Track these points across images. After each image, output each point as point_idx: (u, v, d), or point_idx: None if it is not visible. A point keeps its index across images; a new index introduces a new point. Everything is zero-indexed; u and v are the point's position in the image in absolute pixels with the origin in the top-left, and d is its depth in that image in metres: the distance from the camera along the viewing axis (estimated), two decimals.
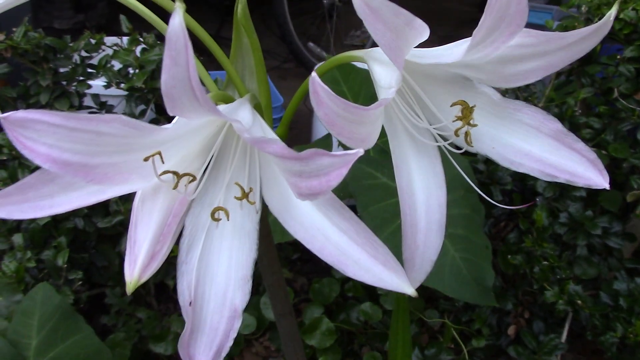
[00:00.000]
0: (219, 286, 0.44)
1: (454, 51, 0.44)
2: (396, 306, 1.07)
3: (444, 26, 4.75)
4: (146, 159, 0.39)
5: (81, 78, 1.52)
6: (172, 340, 1.54)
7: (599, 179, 0.43)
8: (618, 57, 1.47)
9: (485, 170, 1.63)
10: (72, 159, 0.35)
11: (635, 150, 1.51)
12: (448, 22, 4.77)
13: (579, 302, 1.51)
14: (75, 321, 1.24)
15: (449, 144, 0.48)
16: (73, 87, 1.51)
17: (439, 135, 0.47)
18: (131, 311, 1.58)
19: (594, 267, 1.58)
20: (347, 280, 1.73)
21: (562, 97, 1.65)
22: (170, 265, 1.59)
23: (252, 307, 1.68)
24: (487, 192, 1.72)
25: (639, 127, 1.44)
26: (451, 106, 0.44)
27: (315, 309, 1.62)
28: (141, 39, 1.53)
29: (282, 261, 1.80)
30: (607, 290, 1.56)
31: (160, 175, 0.40)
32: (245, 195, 0.40)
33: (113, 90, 1.53)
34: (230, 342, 0.45)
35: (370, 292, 1.74)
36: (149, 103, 1.50)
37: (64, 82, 1.51)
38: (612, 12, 0.44)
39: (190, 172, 0.40)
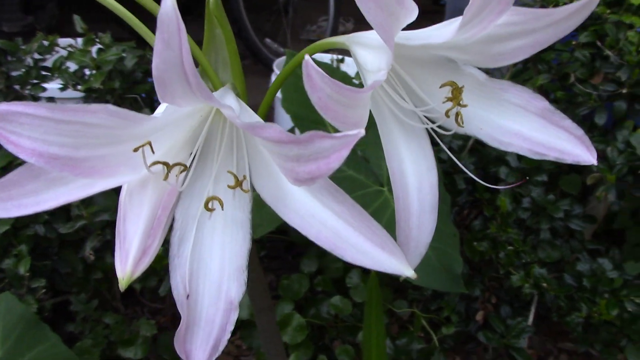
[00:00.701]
0: (213, 278, 0.43)
1: (442, 31, 0.43)
2: (369, 298, 1.07)
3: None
4: (136, 150, 0.37)
5: (35, 81, 1.48)
6: (142, 344, 1.51)
7: (587, 156, 0.43)
8: (573, 42, 1.49)
9: (448, 159, 1.64)
10: (59, 153, 0.34)
11: (593, 134, 1.54)
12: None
13: (545, 284, 1.53)
14: (41, 330, 1.21)
15: (437, 127, 0.48)
16: (27, 91, 1.47)
17: (427, 118, 0.47)
18: (98, 317, 1.55)
19: (557, 250, 1.61)
20: (315, 275, 1.73)
21: (519, 84, 1.68)
22: None
23: None
24: (451, 180, 1.74)
25: (596, 111, 1.47)
26: (440, 87, 0.44)
27: (286, 305, 1.61)
28: (97, 39, 1.50)
29: (270, 259, 1.79)
30: (570, 272, 1.59)
31: (150, 166, 0.38)
32: (239, 183, 0.39)
33: (69, 93, 1.49)
34: (227, 336, 0.44)
35: (340, 286, 1.74)
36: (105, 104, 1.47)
37: (17, 86, 1.47)
38: None
39: (181, 162, 0.39)
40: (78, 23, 1.44)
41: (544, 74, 1.63)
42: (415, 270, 1.32)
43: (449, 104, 0.43)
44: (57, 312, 1.57)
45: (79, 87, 1.42)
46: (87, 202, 1.41)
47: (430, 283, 1.34)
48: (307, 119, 1.69)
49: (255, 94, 2.28)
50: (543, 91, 1.66)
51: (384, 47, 0.42)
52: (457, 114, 0.43)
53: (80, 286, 1.56)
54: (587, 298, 1.52)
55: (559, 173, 1.69)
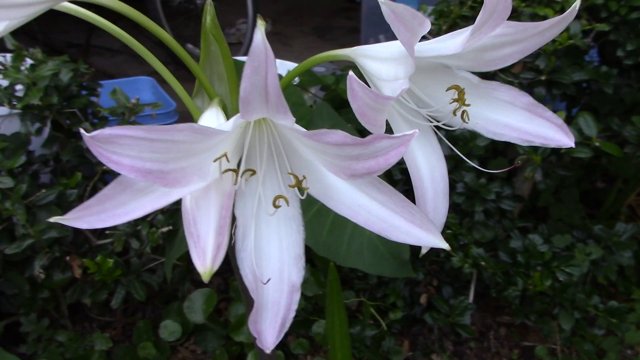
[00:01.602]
0: (274, 267, 0.48)
1: (450, 44, 0.49)
2: (329, 288, 1.12)
3: (316, 17, 4.86)
4: (216, 160, 0.41)
5: None
6: (98, 359, 1.51)
7: (567, 140, 0.50)
8: None
9: None
10: (152, 167, 0.37)
11: None
12: (319, 13, 4.89)
13: (483, 263, 1.63)
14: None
15: (442, 124, 0.53)
16: None
17: (430, 117, 0.52)
18: (50, 336, 1.53)
19: (490, 230, 1.71)
20: None
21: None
22: (85, 284, 1.55)
23: (175, 313, 1.67)
24: (387, 172, 1.81)
25: None
26: (447, 90, 0.50)
27: (239, 306, 1.64)
28: (26, 55, 1.48)
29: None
30: (504, 250, 1.70)
31: (223, 172, 0.42)
32: (299, 182, 0.43)
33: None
34: (292, 314, 0.49)
35: None
36: (44, 120, 1.45)
37: None
38: (577, 3, 0.51)
39: (251, 168, 0.43)
40: (9, 40, 1.41)
41: None
42: (366, 260, 1.37)
43: (455, 105, 0.49)
44: (4, 335, 1.54)
45: (15, 104, 1.40)
46: (32, 220, 1.39)
47: (382, 271, 1.41)
48: None
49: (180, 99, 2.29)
50: None
51: (400, 59, 0.47)
52: (463, 112, 0.49)
53: (27, 306, 1.53)
54: (522, 272, 1.63)
55: (487, 158, 1.80)
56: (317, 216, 1.44)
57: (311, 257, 1.82)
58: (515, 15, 1.59)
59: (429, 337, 1.86)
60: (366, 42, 3.09)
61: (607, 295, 1.94)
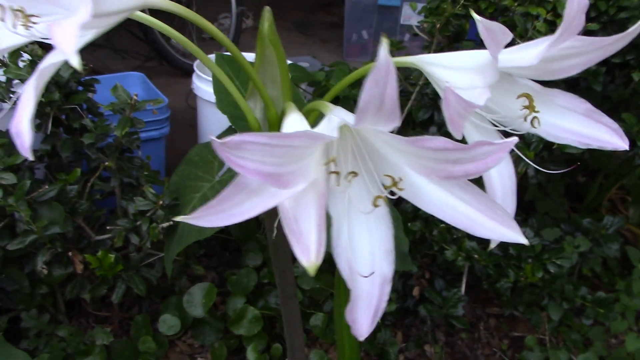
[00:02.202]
0: (367, 261, 0.50)
1: (526, 56, 0.52)
2: (338, 277, 1.14)
3: (297, 12, 4.88)
4: (327, 163, 0.43)
5: None
6: (99, 353, 1.52)
7: (622, 143, 0.54)
8: None
9: None
10: (271, 170, 0.40)
11: None
12: (300, 8, 4.90)
13: (476, 256, 1.68)
14: (7, 349, 1.20)
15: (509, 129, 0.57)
16: None
17: (495, 121, 0.55)
18: (51, 331, 1.53)
19: None
20: (261, 268, 1.78)
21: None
22: (84, 279, 1.56)
23: (173, 308, 1.68)
24: None
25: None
26: (517, 98, 0.53)
27: (237, 299, 1.66)
28: (25, 51, 1.48)
29: (192, 258, 1.81)
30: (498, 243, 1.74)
31: (329, 174, 0.45)
32: (394, 183, 0.45)
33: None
34: (384, 304, 0.52)
35: None
36: (44, 116, 1.46)
37: None
38: (639, 23, 0.55)
39: (353, 170, 0.45)
40: None
41: None
42: None
43: (525, 111, 0.52)
44: (5, 331, 1.54)
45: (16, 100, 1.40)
46: (33, 216, 1.39)
47: None
48: (241, 117, 1.74)
49: (166, 94, 2.28)
50: None
51: (479, 69, 0.50)
52: (534, 118, 0.52)
53: (26, 302, 1.53)
54: (514, 265, 1.68)
55: None
56: None
57: None
58: (507, 14, 1.63)
59: (421, 329, 1.90)
60: (349, 38, 3.12)
61: (591, 286, 2.00)
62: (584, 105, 0.55)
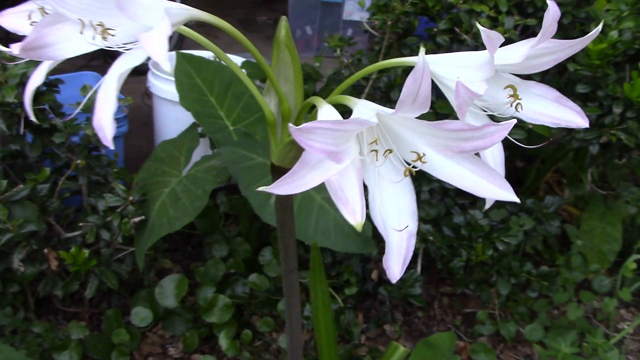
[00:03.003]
0: (396, 219, 0.58)
1: (512, 56, 0.61)
2: (312, 263, 1.23)
3: (240, 9, 4.92)
4: (371, 144, 0.52)
5: None
6: (75, 347, 1.55)
7: (583, 122, 0.64)
8: (434, 29, 1.74)
9: None
10: (332, 149, 0.48)
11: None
12: (242, 5, 4.95)
13: (431, 238, 1.79)
14: None
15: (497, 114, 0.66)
16: None
17: (484, 107, 0.64)
18: (26, 328, 1.56)
19: (434, 208, 1.88)
20: (227, 258, 1.85)
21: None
22: (56, 276, 1.59)
23: (143, 300, 1.73)
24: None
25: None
26: (504, 89, 0.62)
27: (207, 289, 1.72)
28: None
29: (159, 253, 1.86)
30: (448, 225, 1.86)
31: (369, 153, 0.54)
32: (419, 158, 0.54)
33: None
34: (411, 254, 0.61)
35: (251, 265, 1.89)
36: (14, 117, 1.48)
37: None
38: (599, 27, 0.65)
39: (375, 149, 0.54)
40: None
41: (408, 56, 1.87)
42: (333, 239, 1.49)
43: (511, 99, 0.61)
44: None
45: None
46: (8, 215, 1.42)
47: (348, 247, 1.53)
48: (204, 114, 1.81)
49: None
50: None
51: (478, 66, 0.59)
52: (518, 104, 0.62)
53: None
54: (466, 245, 1.80)
55: None
56: None
57: (270, 240, 1.92)
58: (453, 10, 1.75)
59: (380, 310, 2.01)
60: (293, 34, 3.19)
61: (534, 263, 2.15)
62: (554, 93, 0.65)
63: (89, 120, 1.63)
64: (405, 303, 1.96)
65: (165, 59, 0.47)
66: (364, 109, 0.54)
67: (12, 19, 0.62)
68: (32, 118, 0.69)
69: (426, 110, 0.49)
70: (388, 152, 0.55)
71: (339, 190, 0.52)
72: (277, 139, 0.68)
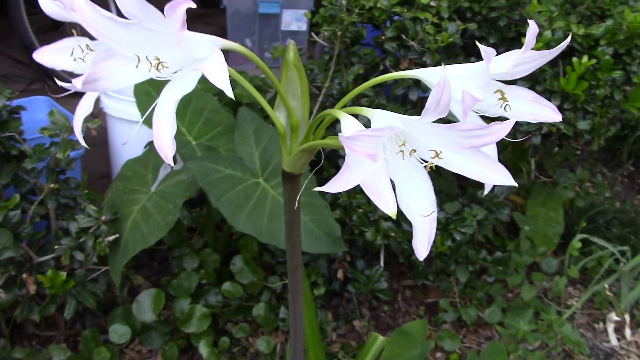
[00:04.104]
0: (419, 207, 0.66)
1: (501, 66, 0.70)
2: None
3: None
4: (401, 145, 0.60)
5: None
6: None
7: (558, 117, 0.74)
8: (382, 37, 1.85)
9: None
10: (372, 152, 0.55)
11: (407, 108, 1.93)
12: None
13: (392, 234, 1.89)
14: None
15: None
16: None
17: (478, 109, 0.73)
18: (6, 355, 1.57)
19: None
20: (198, 269, 1.89)
21: (340, 75, 2.01)
22: (31, 301, 1.61)
23: (119, 318, 1.76)
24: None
25: (409, 90, 1.85)
26: (494, 93, 0.71)
27: (183, 301, 1.76)
28: None
29: (129, 271, 1.89)
30: (407, 220, 1.97)
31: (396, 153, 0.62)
32: (437, 155, 0.61)
33: None
34: (433, 235, 0.69)
35: (221, 275, 1.94)
36: None
37: None
38: (568, 39, 0.75)
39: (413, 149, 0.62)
40: None
41: (356, 64, 1.97)
42: (305, 241, 1.57)
43: (501, 102, 0.70)
44: None
45: None
46: None
47: (319, 248, 1.61)
48: None
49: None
50: (361, 79, 2.01)
51: (472, 76, 0.67)
52: (506, 106, 0.71)
53: None
54: None
55: None
56: (255, 209, 1.61)
57: (239, 249, 1.98)
58: (398, 18, 1.86)
59: (347, 307, 2.09)
60: None
61: (487, 251, 2.29)
62: (532, 94, 0.75)
63: (53, 144, 1.66)
64: (372, 298, 2.05)
65: (228, 87, 0.54)
66: (384, 117, 0.63)
67: (49, 56, 0.67)
68: (83, 144, 0.74)
69: (444, 115, 0.57)
70: (413, 151, 0.63)
71: (373, 186, 0.60)
72: (287, 148, 0.76)
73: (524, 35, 1.83)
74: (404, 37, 1.82)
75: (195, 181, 1.69)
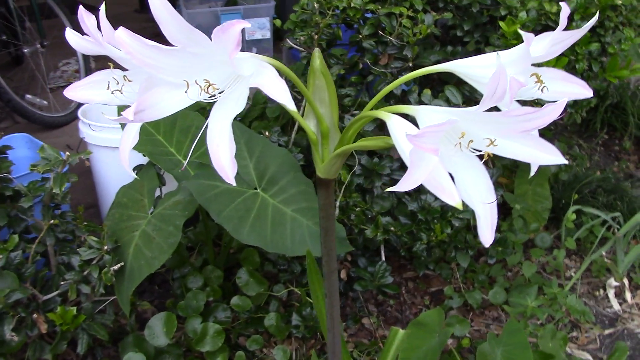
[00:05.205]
0: (478, 195, 0.67)
1: (539, 48, 0.71)
2: (309, 271, 1.30)
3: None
4: (461, 137, 0.60)
5: None
6: None
7: (589, 92, 0.76)
8: (360, 36, 1.86)
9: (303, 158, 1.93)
10: (435, 146, 0.56)
11: (390, 103, 1.94)
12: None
13: (392, 228, 1.91)
14: None
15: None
16: None
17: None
18: None
19: (387, 201, 1.99)
20: (203, 287, 1.88)
21: None
22: (42, 340, 1.59)
23: (132, 345, 1.74)
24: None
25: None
26: (530, 76, 0.72)
27: (194, 320, 1.75)
28: None
29: (135, 297, 1.87)
30: (403, 214, 1.98)
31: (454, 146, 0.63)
32: (492, 142, 0.62)
33: None
34: (496, 221, 0.70)
35: (227, 291, 1.93)
36: None
37: None
38: (596, 17, 0.77)
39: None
40: None
41: (335, 66, 1.98)
42: (311, 246, 1.57)
43: (537, 84, 0.71)
44: None
45: None
46: None
47: None
48: (157, 152, 1.84)
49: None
50: (340, 78, 2.02)
51: (517, 61, 0.69)
52: (543, 87, 0.72)
53: None
54: (424, 228, 1.93)
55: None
56: (257, 220, 1.61)
57: (236, 263, 1.97)
58: (373, 15, 1.87)
59: (354, 306, 2.10)
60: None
61: None
62: (561, 73, 0.77)
63: (45, 180, 1.64)
64: (379, 293, 2.06)
65: (290, 100, 0.54)
66: (432, 113, 0.64)
67: (83, 92, 0.67)
68: (134, 176, 0.74)
69: (500, 102, 0.59)
70: (470, 142, 0.65)
71: (434, 181, 0.61)
72: (320, 155, 0.76)
73: (497, 18, 1.87)
74: (381, 33, 1.83)
75: (193, 200, 1.69)
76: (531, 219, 2.40)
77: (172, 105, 0.61)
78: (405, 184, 0.59)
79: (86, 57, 3.56)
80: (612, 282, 2.19)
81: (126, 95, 0.65)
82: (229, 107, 0.61)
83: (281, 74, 0.62)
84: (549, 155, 0.66)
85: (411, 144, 0.55)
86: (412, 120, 0.66)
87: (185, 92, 0.60)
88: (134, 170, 2.02)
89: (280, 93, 0.56)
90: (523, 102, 0.76)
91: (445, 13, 1.80)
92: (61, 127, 3.30)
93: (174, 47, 0.60)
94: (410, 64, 1.82)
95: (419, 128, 0.64)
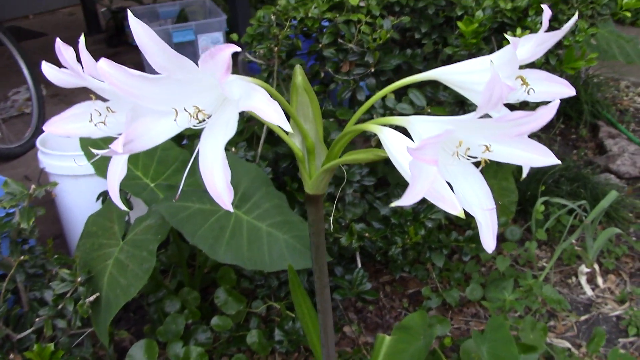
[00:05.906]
0: (476, 201, 0.66)
1: (525, 49, 0.71)
2: (292, 286, 1.30)
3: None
4: (458, 146, 0.60)
5: None
6: None
7: (572, 91, 0.77)
8: (320, 45, 1.86)
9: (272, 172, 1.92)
10: (435, 157, 0.55)
11: (355, 109, 1.95)
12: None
13: (367, 235, 1.91)
14: None
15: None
16: None
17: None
18: None
19: (359, 207, 1.99)
20: (182, 310, 1.85)
21: (280, 90, 2.01)
22: None
23: None
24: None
25: (356, 91, 1.87)
26: (515, 79, 0.72)
27: (175, 345, 1.72)
28: None
29: (111, 327, 1.83)
30: (376, 218, 1.99)
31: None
32: (488, 149, 0.62)
33: None
34: (496, 226, 0.70)
35: (205, 312, 1.90)
36: None
37: None
38: (574, 18, 0.77)
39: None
40: None
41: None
42: (290, 259, 1.56)
43: (523, 87, 0.72)
44: None
45: None
46: None
47: (306, 263, 1.60)
48: (128, 177, 1.80)
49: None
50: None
51: (505, 65, 0.69)
52: (530, 89, 0.72)
53: None
54: (399, 231, 1.94)
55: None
56: (232, 238, 1.59)
57: (211, 282, 1.94)
58: (330, 24, 1.88)
59: (334, 315, 2.09)
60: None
61: (455, 232, 2.34)
62: (544, 73, 0.78)
63: (9, 215, 1.59)
64: (358, 300, 2.06)
65: (285, 121, 0.53)
66: (426, 123, 0.64)
67: (63, 125, 0.64)
68: (124, 208, 0.72)
69: (498, 108, 0.59)
70: (467, 149, 0.64)
71: (434, 192, 0.61)
72: (307, 171, 0.75)
73: (453, 19, 1.89)
74: (340, 41, 1.84)
75: (165, 223, 1.66)
76: (499, 213, 2.42)
77: (162, 134, 0.60)
78: (408, 198, 0.59)
79: (37, 85, 3.48)
80: (584, 268, 2.23)
81: (110, 127, 0.63)
82: (220, 131, 0.60)
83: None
84: (543, 157, 0.67)
85: (412, 157, 0.55)
86: (402, 130, 0.66)
87: (175, 119, 0.58)
88: (99, 197, 1.98)
89: (274, 115, 0.55)
90: (508, 105, 0.77)
91: (403, 17, 1.81)
92: (17, 158, 3.22)
93: (160, 75, 0.58)
94: (372, 70, 1.82)
95: (411, 139, 0.64)
